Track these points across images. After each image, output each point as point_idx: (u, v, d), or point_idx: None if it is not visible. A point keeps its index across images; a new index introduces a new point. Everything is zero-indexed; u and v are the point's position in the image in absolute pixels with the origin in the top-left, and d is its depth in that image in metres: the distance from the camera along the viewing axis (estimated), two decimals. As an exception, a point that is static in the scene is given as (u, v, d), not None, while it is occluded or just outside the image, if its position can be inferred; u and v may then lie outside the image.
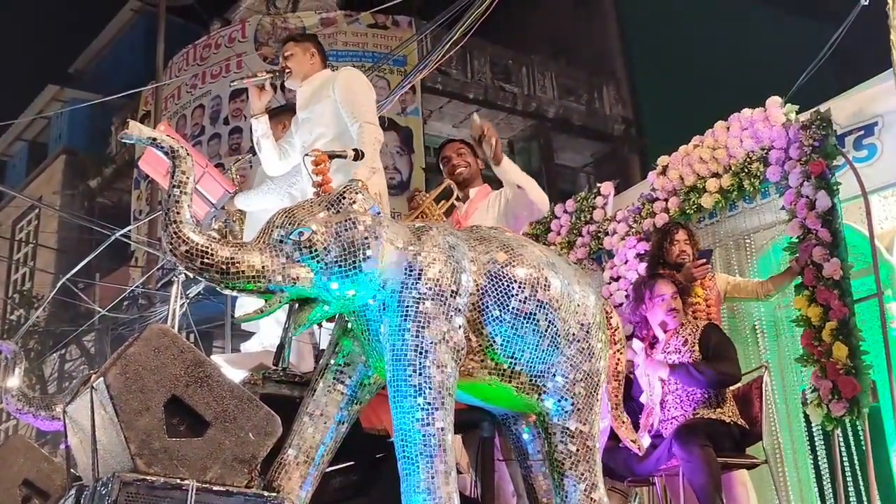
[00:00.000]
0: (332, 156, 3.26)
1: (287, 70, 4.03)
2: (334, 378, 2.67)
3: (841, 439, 4.38)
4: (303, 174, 3.83)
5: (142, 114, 13.25)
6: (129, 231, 10.91)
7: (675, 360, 3.90)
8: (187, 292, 5.59)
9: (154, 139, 2.44)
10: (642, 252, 5.34)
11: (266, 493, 2.43)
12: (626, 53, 14.12)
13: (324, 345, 3.19)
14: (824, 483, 4.57)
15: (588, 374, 2.77)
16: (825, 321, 4.31)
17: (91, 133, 15.51)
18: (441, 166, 4.18)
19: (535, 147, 13.64)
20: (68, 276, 9.17)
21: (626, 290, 5.22)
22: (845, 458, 4.40)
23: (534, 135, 13.60)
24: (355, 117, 3.77)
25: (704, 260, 4.43)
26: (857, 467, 4.41)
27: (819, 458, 4.61)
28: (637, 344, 4.00)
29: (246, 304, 3.83)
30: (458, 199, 3.98)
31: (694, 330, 4.02)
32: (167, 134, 2.63)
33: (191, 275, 2.51)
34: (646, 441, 3.20)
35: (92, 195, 14.91)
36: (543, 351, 2.68)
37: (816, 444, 4.61)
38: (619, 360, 3.04)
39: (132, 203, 13.45)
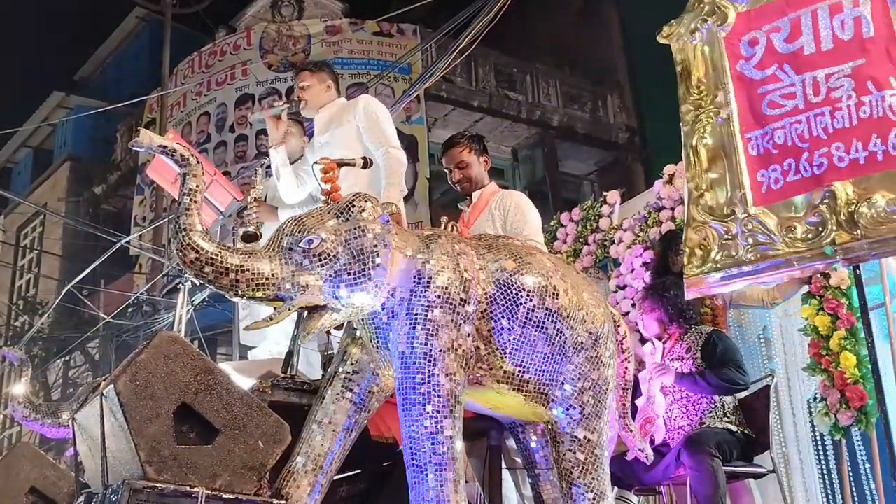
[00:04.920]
0: (340, 164, 3.26)
1: (303, 101, 4.14)
2: (343, 386, 2.66)
3: (847, 448, 4.36)
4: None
5: (147, 121, 13.28)
6: (134, 238, 10.93)
7: (679, 367, 3.89)
8: (192, 299, 5.60)
9: (165, 147, 2.44)
10: (648, 261, 5.33)
11: (275, 501, 2.43)
12: (629, 62, 14.14)
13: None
14: (834, 492, 4.55)
15: (596, 383, 2.76)
16: (833, 330, 4.30)
17: (96, 140, 15.57)
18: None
19: (539, 155, 13.66)
20: (73, 282, 9.20)
21: (633, 299, 5.21)
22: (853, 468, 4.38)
23: (538, 142, 13.62)
24: (380, 143, 3.92)
25: None
26: (865, 476, 4.39)
27: (827, 467, 4.59)
28: (649, 347, 3.99)
29: (255, 312, 3.83)
30: (462, 202, 4.02)
31: (698, 336, 4.01)
32: (177, 142, 2.63)
33: (200, 282, 2.51)
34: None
35: (96, 202, 14.94)
36: (552, 359, 2.67)
37: (827, 452, 4.59)
38: (626, 368, 3.03)
39: (134, 209, 13.46)
